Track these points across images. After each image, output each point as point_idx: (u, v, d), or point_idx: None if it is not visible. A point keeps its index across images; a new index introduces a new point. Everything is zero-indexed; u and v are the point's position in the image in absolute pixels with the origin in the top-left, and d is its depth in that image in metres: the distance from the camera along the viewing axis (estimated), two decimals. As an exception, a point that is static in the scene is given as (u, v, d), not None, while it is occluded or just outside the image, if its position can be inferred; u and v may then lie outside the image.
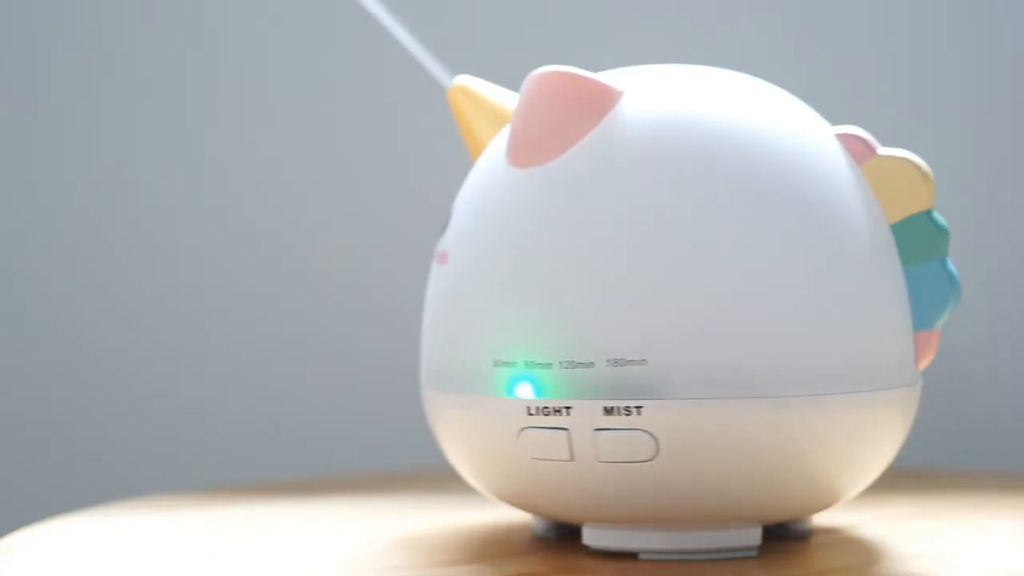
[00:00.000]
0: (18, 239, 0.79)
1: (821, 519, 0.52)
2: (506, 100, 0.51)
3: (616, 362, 0.43)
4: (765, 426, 0.43)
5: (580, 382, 0.43)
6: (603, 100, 0.45)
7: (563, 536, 0.50)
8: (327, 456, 0.75)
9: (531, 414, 0.44)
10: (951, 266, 0.47)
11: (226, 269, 0.77)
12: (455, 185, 0.70)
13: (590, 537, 0.47)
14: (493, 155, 0.48)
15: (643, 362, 0.43)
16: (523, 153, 0.46)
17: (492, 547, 0.50)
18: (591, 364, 0.43)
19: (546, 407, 0.44)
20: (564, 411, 0.43)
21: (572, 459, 0.44)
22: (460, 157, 0.74)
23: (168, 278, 0.77)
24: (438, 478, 0.65)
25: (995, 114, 0.72)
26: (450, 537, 0.52)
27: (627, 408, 0.43)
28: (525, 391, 0.44)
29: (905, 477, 0.58)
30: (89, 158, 0.78)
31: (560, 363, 0.43)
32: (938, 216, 0.47)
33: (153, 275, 0.77)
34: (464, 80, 0.51)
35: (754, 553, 0.46)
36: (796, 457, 0.44)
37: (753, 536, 0.46)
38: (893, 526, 0.53)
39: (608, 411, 0.43)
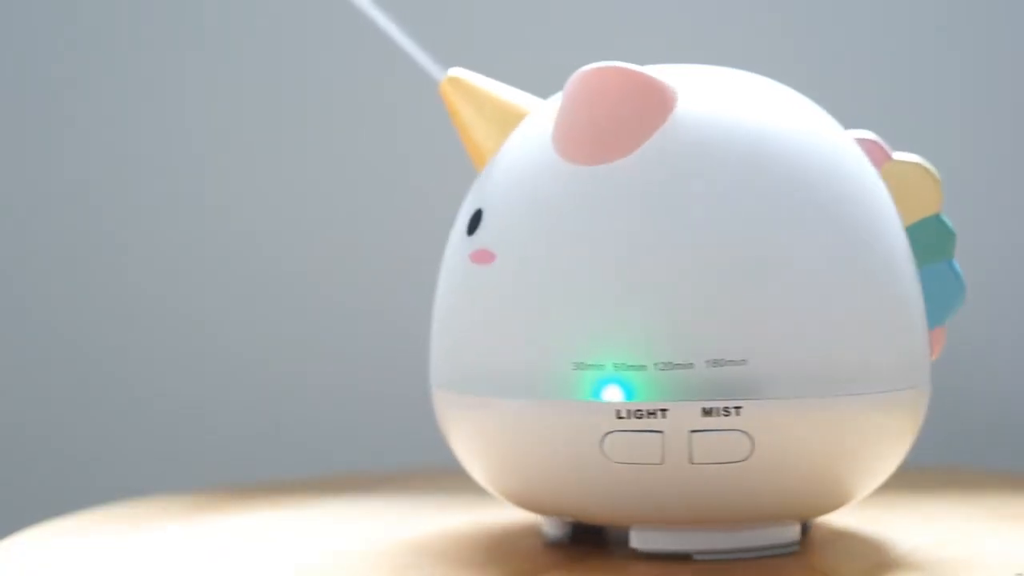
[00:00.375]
0: (18, 239, 0.78)
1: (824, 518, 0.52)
2: (502, 92, 0.50)
3: (716, 362, 0.43)
4: (847, 424, 0.44)
5: (677, 383, 0.43)
6: (668, 100, 0.45)
7: (576, 540, 0.49)
8: (327, 456, 0.75)
9: (621, 417, 0.43)
10: (958, 266, 0.49)
11: (226, 269, 0.77)
12: (455, 184, 0.70)
13: (640, 540, 0.46)
14: (531, 149, 0.46)
15: (743, 362, 0.43)
16: (588, 150, 0.44)
17: (502, 550, 0.50)
18: (690, 365, 0.43)
19: (639, 410, 0.43)
20: (659, 413, 0.43)
21: (662, 462, 0.43)
22: (459, 156, 0.74)
23: (168, 278, 0.77)
24: (438, 478, 0.65)
25: (995, 114, 0.72)
26: (462, 538, 0.52)
27: (726, 409, 0.43)
28: (614, 394, 0.43)
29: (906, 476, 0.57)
30: (89, 158, 0.78)
31: (655, 364, 0.43)
32: (946, 219, 0.49)
33: (153, 275, 0.77)
34: (457, 72, 0.50)
35: (797, 548, 0.47)
36: (852, 454, 0.45)
37: (795, 532, 0.47)
38: (896, 525, 0.53)
39: (707, 412, 0.43)
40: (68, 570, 0.48)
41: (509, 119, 0.49)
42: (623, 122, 0.44)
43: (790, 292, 0.43)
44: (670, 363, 0.43)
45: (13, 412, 0.78)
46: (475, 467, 0.48)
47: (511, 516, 0.54)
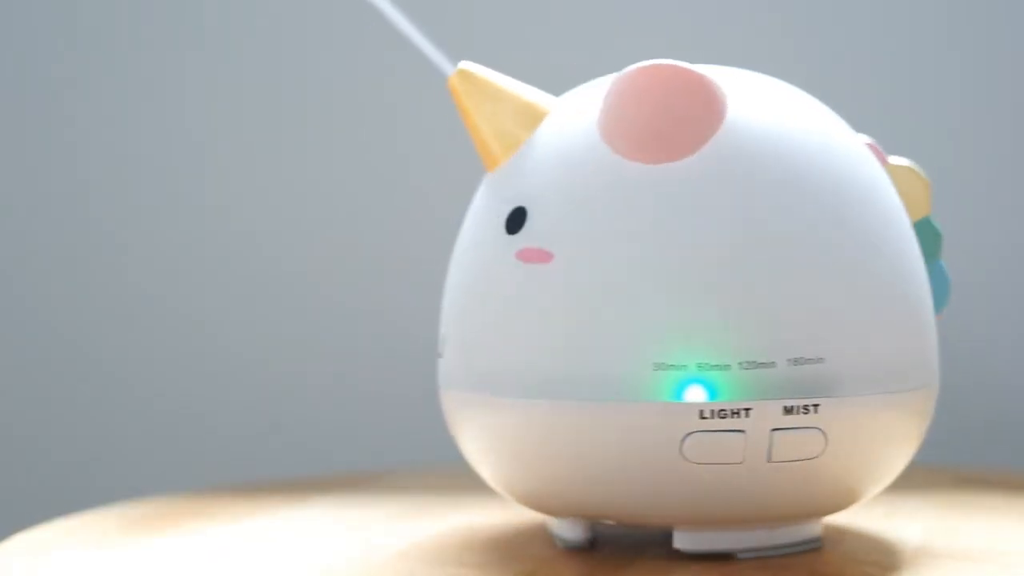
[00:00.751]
0: (18, 239, 0.78)
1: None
2: (513, 87, 0.48)
3: (796, 361, 0.43)
4: (898, 420, 0.46)
5: (760, 382, 0.43)
6: (722, 102, 0.45)
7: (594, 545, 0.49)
8: (327, 456, 0.75)
9: (704, 418, 0.43)
10: (945, 267, 0.50)
11: (225, 270, 0.77)
12: (454, 184, 0.70)
13: (683, 541, 0.46)
14: (576, 146, 0.45)
15: (820, 360, 0.43)
16: (652, 149, 0.44)
17: (511, 552, 0.49)
18: (773, 364, 0.43)
19: (722, 410, 0.43)
20: (743, 413, 0.43)
21: (742, 461, 0.43)
22: (457, 155, 0.74)
23: (168, 278, 0.77)
24: (438, 478, 0.65)
25: (997, 114, 0.72)
26: (472, 539, 0.51)
27: (805, 407, 0.43)
28: (696, 394, 0.43)
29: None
30: (89, 158, 0.78)
31: (740, 364, 0.43)
32: (935, 221, 0.49)
33: (153, 275, 0.77)
34: (467, 66, 0.48)
35: (820, 544, 0.49)
36: (895, 448, 0.46)
37: (819, 528, 0.48)
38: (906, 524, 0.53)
39: (788, 410, 0.43)
40: (68, 571, 0.48)
41: (523, 114, 0.48)
42: (687, 122, 0.44)
43: (857, 292, 0.44)
44: (754, 362, 0.43)
45: (13, 413, 0.78)
46: (497, 467, 0.47)
47: (516, 516, 0.54)
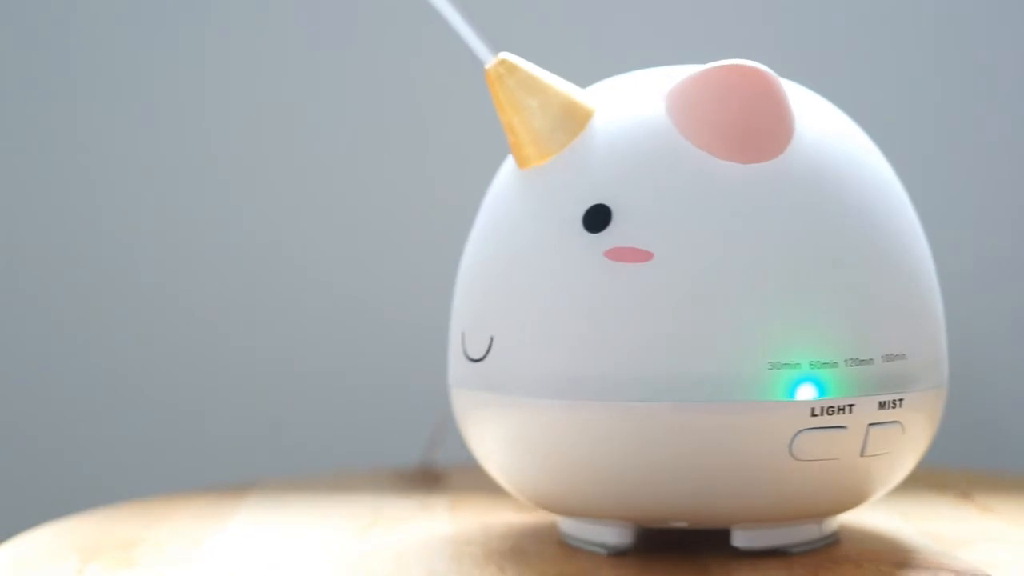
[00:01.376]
0: (18, 239, 0.78)
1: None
2: (555, 82, 0.47)
3: (888, 357, 0.45)
4: (939, 410, 0.48)
5: (861, 379, 0.44)
6: (792, 106, 0.46)
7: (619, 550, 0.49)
8: (327, 456, 0.75)
9: (814, 415, 0.44)
10: None
11: (226, 270, 0.77)
12: (456, 184, 0.70)
13: (743, 539, 0.47)
14: (659, 144, 0.45)
15: (903, 356, 0.45)
16: (751, 149, 0.44)
17: (520, 554, 0.49)
18: (871, 361, 0.44)
19: (831, 407, 0.44)
20: (847, 409, 0.44)
21: (840, 457, 0.44)
22: (458, 157, 0.74)
23: (168, 277, 0.77)
24: (440, 477, 0.65)
25: (1000, 114, 0.72)
26: (487, 541, 0.51)
27: (894, 401, 0.45)
28: (807, 392, 0.44)
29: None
30: (90, 157, 0.78)
31: (845, 361, 0.44)
32: None
33: (153, 275, 0.77)
34: (508, 57, 0.47)
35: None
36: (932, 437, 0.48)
37: (837, 522, 0.50)
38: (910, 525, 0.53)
39: (881, 405, 0.44)
40: (68, 572, 0.48)
41: (568, 111, 0.46)
42: (774, 123, 0.45)
43: (920, 292, 0.47)
44: (856, 359, 0.44)
45: (13, 413, 0.78)
46: (543, 470, 0.46)
47: (523, 516, 0.55)
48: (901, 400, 0.45)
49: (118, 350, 0.77)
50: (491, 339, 0.46)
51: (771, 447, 0.44)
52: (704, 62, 0.49)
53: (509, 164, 0.49)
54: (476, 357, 0.46)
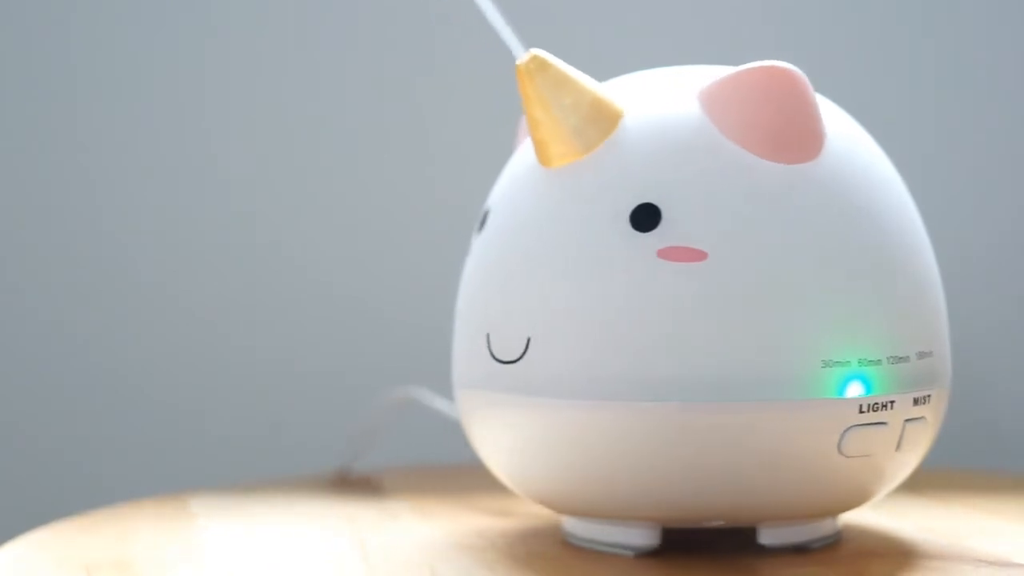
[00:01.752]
0: (18, 239, 0.78)
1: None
2: (585, 80, 0.46)
3: (920, 355, 0.46)
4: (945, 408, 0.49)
5: (900, 376, 0.45)
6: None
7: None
8: (328, 456, 0.75)
9: (862, 412, 0.44)
10: None
11: (226, 270, 0.77)
12: (456, 184, 0.70)
13: (768, 536, 0.47)
14: (704, 144, 0.45)
15: (931, 354, 0.46)
16: (794, 150, 0.45)
17: (526, 553, 0.49)
18: (907, 358, 0.45)
19: (875, 403, 0.45)
20: (889, 405, 0.45)
21: (879, 453, 0.45)
22: (459, 157, 0.74)
23: (168, 278, 0.77)
24: (440, 476, 0.65)
25: (1001, 114, 0.72)
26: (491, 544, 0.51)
27: (925, 397, 0.46)
28: (855, 390, 0.44)
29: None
30: (90, 157, 0.77)
31: (888, 359, 0.45)
32: None
33: (153, 275, 0.77)
34: (541, 53, 0.46)
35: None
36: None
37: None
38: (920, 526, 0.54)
39: (915, 402, 0.45)
40: (68, 573, 0.48)
41: (599, 110, 0.46)
42: (815, 123, 0.45)
43: (937, 291, 0.48)
44: (896, 356, 0.45)
45: (12, 414, 0.78)
46: (572, 473, 0.46)
47: (530, 515, 0.55)
48: (929, 396, 0.46)
49: (118, 350, 0.77)
50: (528, 340, 0.45)
51: (821, 444, 0.44)
52: (706, 62, 0.50)
53: (524, 162, 0.48)
54: (508, 359, 0.46)
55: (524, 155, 0.48)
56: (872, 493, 0.47)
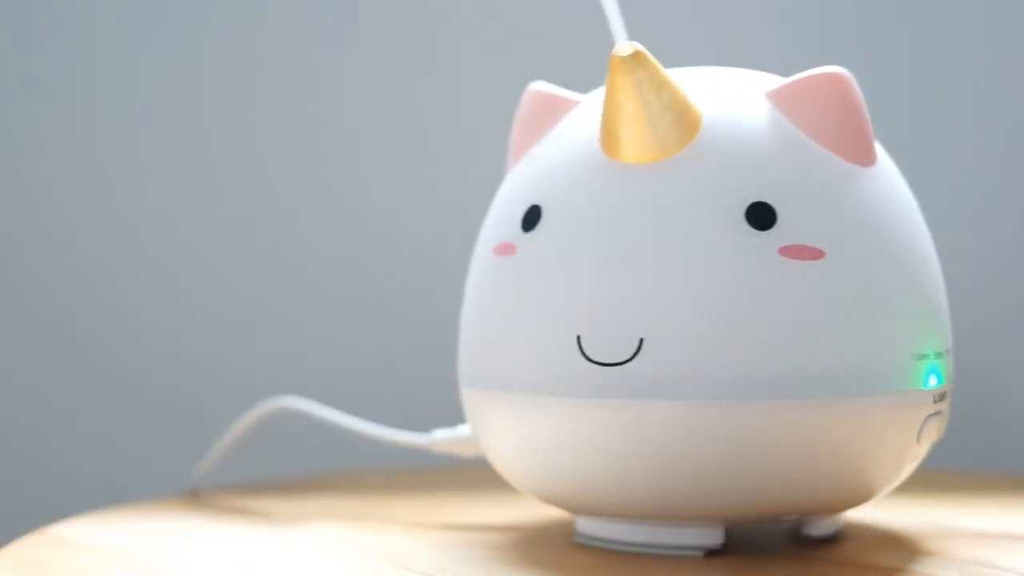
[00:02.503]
0: (18, 239, 0.78)
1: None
2: (674, 78, 0.46)
3: (951, 350, 0.48)
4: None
5: (949, 368, 0.48)
6: None
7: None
8: (327, 455, 0.75)
9: (935, 402, 0.47)
10: None
11: (226, 270, 0.77)
12: (457, 185, 0.70)
13: (819, 527, 0.49)
14: (810, 148, 0.46)
15: (952, 351, 0.48)
16: (870, 152, 0.47)
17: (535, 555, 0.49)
18: (951, 351, 0.48)
19: (943, 393, 0.47)
20: (947, 395, 0.48)
21: (933, 440, 0.48)
22: (460, 157, 0.74)
23: (168, 278, 0.77)
24: (442, 477, 0.65)
25: (1002, 115, 0.72)
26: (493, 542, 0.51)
27: (953, 390, 0.49)
28: (932, 381, 0.47)
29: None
30: (90, 157, 0.78)
31: (947, 351, 0.48)
32: None
33: (153, 275, 0.77)
34: (640, 48, 0.45)
35: None
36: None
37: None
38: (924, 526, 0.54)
39: (943, 396, 0.48)
40: (68, 573, 0.48)
41: (684, 106, 0.45)
42: (871, 129, 0.47)
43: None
44: (948, 350, 0.48)
45: (13, 413, 0.78)
46: (669, 476, 0.45)
47: (538, 513, 0.55)
48: (953, 389, 0.49)
49: (118, 350, 0.77)
50: (641, 340, 0.44)
51: (907, 434, 0.46)
52: (709, 63, 0.50)
53: (582, 157, 0.47)
54: (612, 360, 0.44)
55: (574, 150, 0.47)
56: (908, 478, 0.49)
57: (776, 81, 0.48)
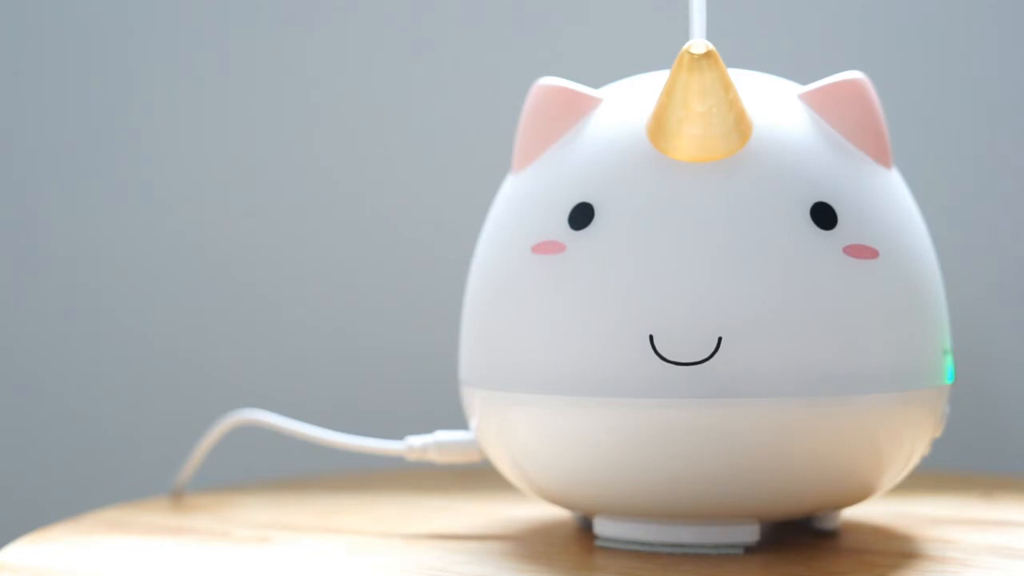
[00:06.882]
0: (18, 238, 0.78)
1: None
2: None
3: (946, 351, 0.49)
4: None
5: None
6: None
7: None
8: (327, 455, 0.74)
9: (949, 396, 0.49)
10: None
11: (225, 270, 0.76)
12: (458, 184, 0.70)
13: (826, 521, 0.51)
14: (837, 148, 0.47)
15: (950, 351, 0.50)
16: (887, 155, 0.49)
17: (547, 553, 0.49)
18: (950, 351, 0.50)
19: (952, 387, 0.50)
20: (951, 390, 0.50)
21: (939, 434, 0.50)
22: (460, 157, 0.73)
23: (168, 278, 0.77)
24: (441, 477, 0.64)
25: (1004, 115, 0.72)
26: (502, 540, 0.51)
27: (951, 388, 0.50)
28: (950, 376, 0.49)
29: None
30: (90, 157, 0.77)
31: (951, 349, 0.49)
32: None
33: (153, 275, 0.77)
34: (712, 47, 0.45)
35: None
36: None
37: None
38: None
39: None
40: (69, 570, 0.48)
41: (742, 107, 0.46)
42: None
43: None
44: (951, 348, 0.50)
45: (13, 413, 0.78)
46: (747, 474, 0.46)
47: (543, 512, 0.55)
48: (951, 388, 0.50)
49: (118, 350, 0.76)
50: (719, 339, 0.44)
51: (930, 426, 0.48)
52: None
53: (634, 156, 0.46)
54: (690, 360, 0.44)
55: (619, 146, 0.47)
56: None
57: (795, 85, 0.49)
